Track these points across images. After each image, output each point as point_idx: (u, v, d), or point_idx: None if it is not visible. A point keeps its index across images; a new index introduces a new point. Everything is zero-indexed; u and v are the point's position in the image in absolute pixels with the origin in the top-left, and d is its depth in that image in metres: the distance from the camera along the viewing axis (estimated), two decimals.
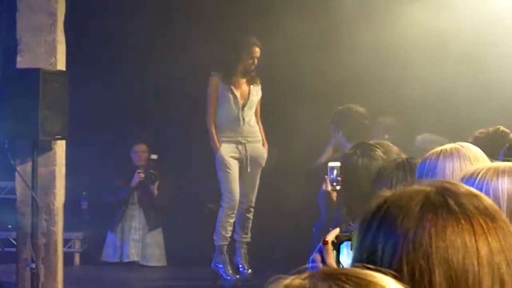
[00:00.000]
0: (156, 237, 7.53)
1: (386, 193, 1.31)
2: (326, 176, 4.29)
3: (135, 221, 7.59)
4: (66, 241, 6.38)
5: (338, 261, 1.71)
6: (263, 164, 6.88)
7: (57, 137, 5.65)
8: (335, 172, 4.25)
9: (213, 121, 6.75)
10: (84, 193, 7.82)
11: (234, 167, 6.71)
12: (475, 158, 2.75)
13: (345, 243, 1.72)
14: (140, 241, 7.51)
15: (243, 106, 6.76)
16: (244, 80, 6.81)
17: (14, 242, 6.65)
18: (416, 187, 1.28)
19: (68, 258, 6.60)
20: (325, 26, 7.35)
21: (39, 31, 5.64)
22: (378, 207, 1.28)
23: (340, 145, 5.58)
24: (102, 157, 7.56)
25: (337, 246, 1.73)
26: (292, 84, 7.66)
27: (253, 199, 6.82)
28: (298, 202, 6.87)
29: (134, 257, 7.42)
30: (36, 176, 5.60)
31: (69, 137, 5.80)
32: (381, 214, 1.27)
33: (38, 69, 5.45)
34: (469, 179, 2.69)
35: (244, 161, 6.74)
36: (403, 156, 4.25)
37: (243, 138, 6.76)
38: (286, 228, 7.32)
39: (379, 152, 4.18)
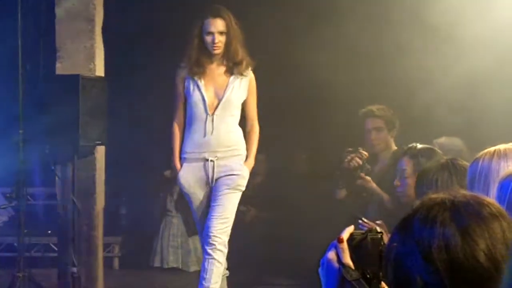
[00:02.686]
0: (196, 243, 7.45)
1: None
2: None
3: (174, 228, 7.48)
4: (105, 246, 6.35)
5: (353, 260, 1.67)
6: (240, 187, 5.11)
7: (97, 142, 5.68)
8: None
9: (178, 129, 5.21)
10: (123, 198, 7.80)
11: (198, 196, 5.15)
12: None
13: (361, 242, 1.69)
14: (179, 248, 7.42)
15: (214, 107, 5.07)
16: (221, 70, 5.16)
17: (54, 247, 6.74)
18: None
19: (107, 263, 6.59)
20: (352, 30, 6.91)
21: (78, 37, 5.67)
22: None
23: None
24: (141, 162, 7.54)
25: (352, 244, 1.69)
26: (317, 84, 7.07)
27: (217, 233, 5.01)
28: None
29: (174, 264, 7.36)
30: (77, 181, 5.62)
31: (109, 142, 5.76)
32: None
33: (77, 75, 5.46)
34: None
35: (210, 183, 5.09)
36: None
37: (210, 154, 5.07)
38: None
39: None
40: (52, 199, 5.92)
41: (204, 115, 5.06)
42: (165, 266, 7.34)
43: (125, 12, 6.70)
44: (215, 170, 5.07)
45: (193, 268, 7.29)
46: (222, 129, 5.07)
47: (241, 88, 5.14)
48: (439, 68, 6.20)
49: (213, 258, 4.99)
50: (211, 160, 5.06)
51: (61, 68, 5.62)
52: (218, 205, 5.03)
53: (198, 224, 5.27)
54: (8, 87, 6.00)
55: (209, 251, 4.98)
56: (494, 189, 2.62)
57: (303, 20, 6.98)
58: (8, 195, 7.13)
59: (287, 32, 7.14)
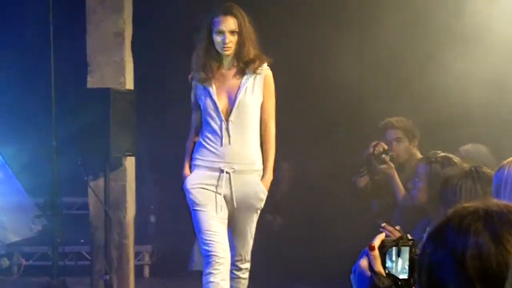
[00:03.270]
0: None
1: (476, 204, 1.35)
2: None
3: None
4: (135, 254, 6.40)
5: (384, 267, 1.66)
6: (259, 206, 4.65)
7: (127, 153, 5.71)
8: None
9: (193, 140, 4.71)
10: (152, 207, 7.82)
11: (212, 205, 4.55)
12: None
13: (392, 249, 1.68)
14: None
15: (228, 113, 4.53)
16: (232, 72, 4.59)
17: (87, 256, 6.77)
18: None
19: (138, 271, 6.62)
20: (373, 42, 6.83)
21: (108, 51, 5.73)
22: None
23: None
24: (169, 172, 7.59)
25: (383, 251, 1.68)
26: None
27: (244, 254, 4.70)
28: None
29: (199, 267, 7.36)
30: (108, 191, 5.67)
31: (138, 152, 5.82)
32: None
33: (108, 89, 5.54)
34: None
35: (229, 198, 4.58)
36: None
37: (226, 165, 4.54)
38: None
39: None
40: (85, 209, 5.98)
41: (218, 123, 4.53)
42: (194, 269, 7.31)
43: (154, 25, 6.77)
44: (233, 187, 4.53)
45: None
46: (239, 137, 4.53)
47: (256, 88, 4.55)
48: (466, 75, 6.12)
49: (240, 278, 4.72)
50: (227, 172, 4.53)
51: (91, 82, 5.68)
52: (241, 230, 4.64)
53: (204, 243, 4.53)
54: (41, 100, 6.07)
55: (237, 273, 4.69)
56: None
57: (329, 29, 6.89)
58: (41, 205, 7.21)
59: (310, 41, 7.07)
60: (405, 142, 5.48)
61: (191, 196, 4.55)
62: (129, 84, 5.78)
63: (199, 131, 4.65)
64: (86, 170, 5.73)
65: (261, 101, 4.56)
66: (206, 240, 4.49)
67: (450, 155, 4.50)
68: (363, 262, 1.68)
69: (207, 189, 4.54)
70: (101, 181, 5.68)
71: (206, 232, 4.50)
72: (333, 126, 7.20)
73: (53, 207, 5.90)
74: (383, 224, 4.20)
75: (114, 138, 5.47)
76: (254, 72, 4.52)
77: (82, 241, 7.02)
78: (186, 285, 6.61)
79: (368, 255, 1.68)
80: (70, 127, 5.63)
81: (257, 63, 4.51)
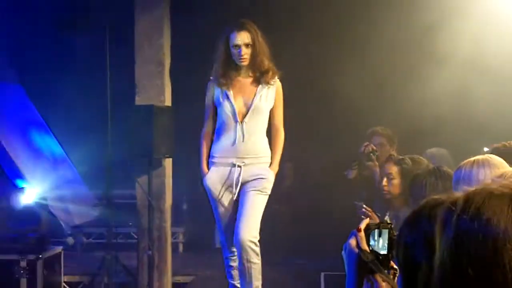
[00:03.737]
0: None
1: (457, 195, 1.23)
2: None
3: None
4: (172, 234, 6.43)
5: (368, 245, 1.67)
6: (267, 190, 4.26)
7: (166, 156, 5.73)
8: None
9: (207, 137, 4.35)
10: (184, 197, 7.85)
11: (224, 201, 4.28)
12: (502, 166, 2.74)
13: (375, 231, 1.68)
14: None
15: (244, 115, 4.25)
16: (248, 81, 4.32)
17: (134, 235, 6.77)
18: (496, 189, 1.19)
19: (174, 247, 6.63)
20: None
21: (152, 77, 5.72)
22: (463, 208, 1.18)
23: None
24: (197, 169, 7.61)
25: (368, 233, 1.68)
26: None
27: (250, 236, 4.12)
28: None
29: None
30: (151, 185, 5.68)
31: (175, 155, 5.85)
32: (472, 213, 1.17)
33: (151, 106, 5.54)
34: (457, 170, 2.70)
35: (235, 186, 4.23)
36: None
37: (238, 160, 4.24)
38: None
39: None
40: (133, 199, 6.01)
41: (234, 123, 4.22)
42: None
43: (187, 56, 6.83)
44: (242, 175, 4.21)
45: None
46: (251, 136, 4.23)
47: (269, 97, 4.28)
48: (438, 90, 6.06)
49: (250, 262, 4.14)
50: (238, 166, 4.21)
51: (139, 100, 5.67)
52: (247, 205, 4.16)
53: (222, 234, 4.34)
54: (99, 114, 6.12)
55: (245, 256, 4.12)
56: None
57: (328, 49, 6.74)
58: (99, 196, 7.28)
59: (314, 60, 6.91)
60: (386, 146, 5.44)
61: (210, 194, 4.26)
62: (168, 102, 5.75)
63: (212, 130, 4.32)
64: (134, 169, 5.73)
65: (271, 107, 4.29)
66: (223, 232, 4.31)
67: (416, 156, 4.51)
68: (352, 241, 1.68)
69: (223, 185, 4.24)
70: (145, 177, 5.68)
71: (223, 225, 4.29)
72: (328, 131, 7.09)
73: (108, 197, 5.96)
74: (363, 205, 4.23)
75: (156, 143, 5.47)
76: (268, 83, 4.26)
77: (130, 224, 7.03)
78: (211, 258, 6.59)
79: (356, 236, 1.68)
80: (122, 135, 5.66)
81: (270, 74, 4.26)
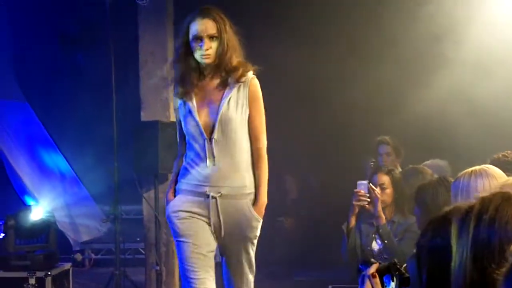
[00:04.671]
0: None
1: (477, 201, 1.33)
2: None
3: None
4: None
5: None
6: (253, 235, 3.28)
7: (171, 171, 5.69)
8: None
9: (180, 161, 3.34)
10: None
11: (193, 232, 3.19)
12: (499, 176, 2.74)
13: (387, 274, 1.73)
14: None
15: (211, 129, 3.20)
16: (214, 84, 3.27)
17: (142, 251, 6.76)
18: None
19: None
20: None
21: (156, 92, 5.72)
22: (479, 212, 1.30)
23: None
24: None
25: (381, 277, 1.72)
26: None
27: None
28: None
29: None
30: (158, 200, 5.67)
31: None
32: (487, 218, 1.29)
33: (157, 121, 5.54)
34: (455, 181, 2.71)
35: (217, 227, 3.22)
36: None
37: (212, 189, 3.20)
38: None
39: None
40: (139, 214, 6.00)
41: (201, 142, 3.19)
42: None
43: None
44: (221, 215, 3.18)
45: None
46: (225, 158, 3.19)
47: (241, 100, 3.20)
48: (444, 98, 6.05)
49: None
50: (213, 197, 3.17)
51: (144, 116, 5.67)
52: (237, 264, 3.27)
53: (186, 270, 3.18)
54: (105, 130, 6.14)
55: None
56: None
57: (333, 58, 6.62)
58: (107, 212, 7.29)
59: (315, 69, 6.73)
60: (392, 156, 5.48)
61: (172, 225, 3.23)
62: (173, 117, 5.70)
63: (184, 152, 3.33)
64: (141, 184, 5.73)
65: (247, 114, 3.23)
66: (188, 277, 3.18)
67: (420, 167, 4.55)
68: (368, 287, 1.73)
69: (190, 217, 3.20)
70: (152, 193, 5.68)
71: (188, 268, 3.18)
72: (331, 144, 7.04)
73: (116, 213, 5.96)
74: (370, 184, 4.30)
75: (161, 159, 5.45)
76: (238, 81, 3.20)
77: (138, 239, 7.02)
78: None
79: (371, 281, 1.74)
80: (128, 150, 5.65)
81: (241, 71, 3.21)
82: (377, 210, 4.26)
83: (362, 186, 4.32)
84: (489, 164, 3.14)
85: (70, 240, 7.31)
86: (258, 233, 3.32)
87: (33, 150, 7.71)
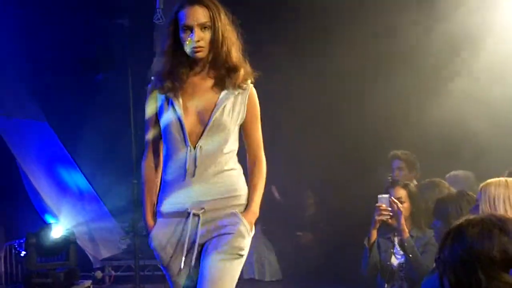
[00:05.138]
0: (270, 257, 7.00)
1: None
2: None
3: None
4: None
5: None
6: (240, 251, 2.72)
7: None
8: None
9: (151, 171, 2.83)
10: None
11: (176, 266, 2.75)
12: None
13: None
14: (255, 261, 7.05)
15: (198, 135, 2.73)
16: (207, 83, 2.80)
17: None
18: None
19: None
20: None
21: None
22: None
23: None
24: None
25: None
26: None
27: None
28: None
29: (250, 275, 7.06)
30: None
31: None
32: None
33: None
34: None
35: (193, 248, 2.71)
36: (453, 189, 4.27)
37: (194, 205, 2.72)
38: None
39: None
40: None
41: (183, 149, 2.69)
42: (245, 277, 7.06)
43: None
44: (200, 229, 2.69)
45: (268, 277, 7.06)
46: (210, 168, 2.70)
47: (238, 106, 2.77)
48: (464, 111, 6.00)
49: None
50: (194, 215, 2.69)
51: None
52: (208, 281, 2.63)
53: None
54: (124, 146, 6.19)
55: None
56: (501, 211, 2.69)
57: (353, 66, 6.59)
58: (126, 228, 7.32)
59: (335, 83, 6.74)
60: (405, 171, 5.46)
61: (159, 258, 2.78)
62: None
63: (158, 161, 2.81)
64: None
65: (240, 122, 2.80)
66: None
67: (437, 180, 4.55)
68: None
69: (176, 246, 2.73)
70: None
71: None
72: (349, 157, 6.97)
73: (135, 230, 5.98)
74: (391, 198, 4.30)
75: None
76: (237, 86, 2.77)
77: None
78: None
79: None
80: None
81: (242, 74, 2.77)
82: (400, 223, 4.25)
83: (384, 200, 4.32)
84: (507, 176, 3.14)
85: (90, 257, 7.35)
86: (246, 246, 2.73)
87: (53, 168, 7.80)
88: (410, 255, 4.18)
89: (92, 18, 6.92)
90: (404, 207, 4.36)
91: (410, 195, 4.40)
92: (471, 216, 1.51)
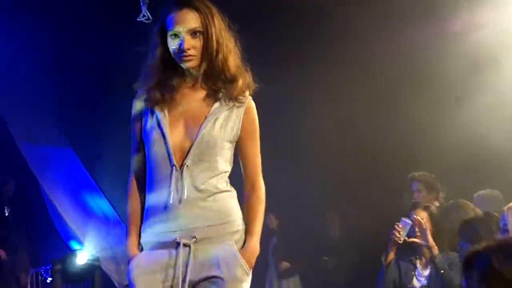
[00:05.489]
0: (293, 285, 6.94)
1: None
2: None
3: (270, 271, 6.97)
4: None
5: None
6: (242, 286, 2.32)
7: None
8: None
9: (135, 194, 2.47)
10: None
11: None
12: None
13: None
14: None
15: (184, 154, 2.34)
16: (199, 95, 2.44)
17: None
18: None
19: None
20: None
21: None
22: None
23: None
24: None
25: None
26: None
27: None
28: None
29: None
30: None
31: None
32: None
33: None
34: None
35: (192, 283, 2.32)
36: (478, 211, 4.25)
37: (183, 234, 2.32)
38: None
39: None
40: None
41: (168, 169, 2.33)
42: None
43: None
44: (191, 265, 2.29)
45: None
46: (199, 190, 2.33)
47: (232, 121, 2.39)
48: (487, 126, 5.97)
49: None
50: (184, 245, 2.32)
51: None
52: None
53: None
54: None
55: None
56: None
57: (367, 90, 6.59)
58: None
59: (354, 106, 6.68)
60: (423, 192, 5.42)
61: None
62: None
63: (142, 181, 2.43)
64: None
65: (235, 139, 2.41)
66: None
67: (462, 201, 4.53)
68: None
69: (159, 282, 2.33)
70: None
71: None
72: (371, 178, 6.93)
73: None
74: (415, 217, 4.28)
75: None
76: (233, 99, 2.40)
77: None
78: None
79: None
80: None
81: (240, 84, 2.41)
82: (428, 241, 4.25)
83: (405, 223, 4.32)
84: None
85: (115, 283, 7.37)
86: (247, 285, 2.36)
87: (78, 194, 7.87)
88: (442, 271, 4.16)
89: (116, 44, 7.02)
90: (427, 230, 4.35)
91: (431, 217, 4.39)
92: (494, 240, 1.53)
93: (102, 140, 7.65)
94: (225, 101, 2.41)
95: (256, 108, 2.49)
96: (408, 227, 4.30)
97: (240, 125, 2.42)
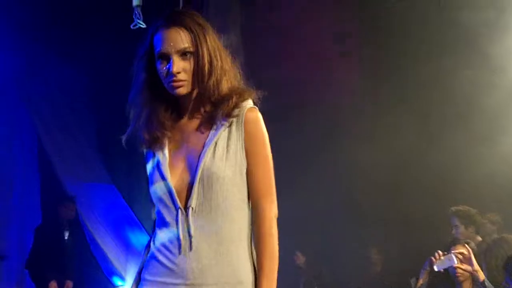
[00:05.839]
0: None
1: None
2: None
3: None
4: None
5: None
6: None
7: None
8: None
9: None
10: None
11: None
12: None
13: None
14: None
15: (187, 193, 2.05)
16: (194, 123, 2.13)
17: None
18: None
19: None
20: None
21: None
22: None
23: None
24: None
25: None
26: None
27: None
28: None
29: None
30: None
31: None
32: None
33: None
34: None
35: None
36: None
37: (190, 287, 2.01)
38: None
39: None
40: None
41: (173, 213, 2.08)
42: None
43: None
44: None
45: None
46: (209, 236, 2.04)
47: (233, 143, 2.07)
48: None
49: None
50: None
51: None
52: None
53: None
54: None
55: None
56: None
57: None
58: None
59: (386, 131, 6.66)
60: (461, 228, 5.38)
61: None
62: None
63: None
64: None
65: (245, 164, 2.08)
66: None
67: (506, 235, 4.42)
68: None
69: None
70: None
71: None
72: (410, 212, 6.80)
73: None
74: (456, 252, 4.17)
75: None
76: (228, 116, 2.09)
77: None
78: None
79: None
80: None
81: (233, 100, 2.09)
82: (473, 266, 4.11)
83: (447, 261, 4.19)
84: None
85: None
86: None
87: (120, 230, 7.95)
88: None
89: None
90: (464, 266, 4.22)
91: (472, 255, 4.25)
92: None
93: (143, 175, 7.73)
94: (220, 121, 2.09)
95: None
96: (451, 263, 4.18)
97: (243, 141, 2.08)
